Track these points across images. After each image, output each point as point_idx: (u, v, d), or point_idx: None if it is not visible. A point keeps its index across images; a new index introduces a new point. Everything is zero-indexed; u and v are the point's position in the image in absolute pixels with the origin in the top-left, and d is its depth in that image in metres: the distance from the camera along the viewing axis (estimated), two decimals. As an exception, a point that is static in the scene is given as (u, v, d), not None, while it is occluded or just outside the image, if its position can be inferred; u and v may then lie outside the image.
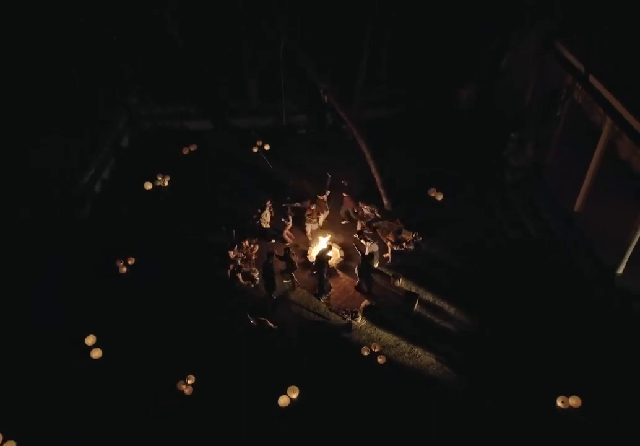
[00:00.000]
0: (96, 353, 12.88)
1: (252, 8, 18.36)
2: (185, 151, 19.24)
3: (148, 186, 17.33)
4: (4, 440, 11.22)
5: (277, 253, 14.33)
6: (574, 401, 11.92)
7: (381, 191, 16.87)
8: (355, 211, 16.14)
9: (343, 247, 15.83)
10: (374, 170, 16.67)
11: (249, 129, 20.14)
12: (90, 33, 18.17)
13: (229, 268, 14.62)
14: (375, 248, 14.63)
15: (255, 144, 18.34)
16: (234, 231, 15.19)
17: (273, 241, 16.00)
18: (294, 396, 11.99)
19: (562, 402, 11.95)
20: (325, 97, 17.43)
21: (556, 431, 11.58)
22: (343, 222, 16.61)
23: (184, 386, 11.98)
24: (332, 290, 14.48)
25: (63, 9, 17.44)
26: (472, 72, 19.83)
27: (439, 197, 16.65)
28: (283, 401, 11.88)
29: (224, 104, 20.86)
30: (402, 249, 15.27)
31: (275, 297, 14.32)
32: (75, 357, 12.91)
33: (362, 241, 14.76)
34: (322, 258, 14.01)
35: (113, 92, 20.04)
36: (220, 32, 19.10)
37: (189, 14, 18.92)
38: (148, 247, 15.74)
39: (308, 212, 15.84)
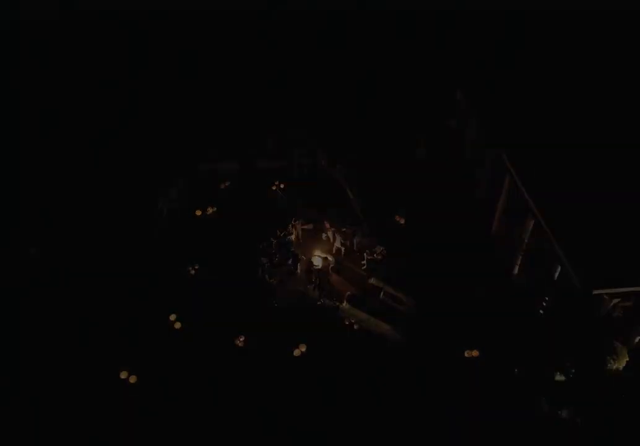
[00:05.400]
0: (177, 325, 20.55)
1: None
2: (223, 186, 26.83)
3: (198, 213, 24.95)
4: (129, 375, 18.92)
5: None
6: (475, 352, 19.55)
7: (361, 218, 24.55)
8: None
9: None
10: (355, 207, 24.50)
11: (268, 170, 27.63)
12: None
13: (259, 272, 22.34)
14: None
15: (273, 184, 25.86)
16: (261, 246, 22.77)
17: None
18: (303, 349, 19.63)
19: (467, 353, 19.57)
20: (323, 164, 25.59)
21: (460, 376, 19.25)
22: None
23: (238, 342, 19.77)
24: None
25: None
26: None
27: (402, 222, 24.32)
28: (296, 352, 19.55)
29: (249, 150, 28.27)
30: (374, 258, 22.86)
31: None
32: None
33: None
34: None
35: None
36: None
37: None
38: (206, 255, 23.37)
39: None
